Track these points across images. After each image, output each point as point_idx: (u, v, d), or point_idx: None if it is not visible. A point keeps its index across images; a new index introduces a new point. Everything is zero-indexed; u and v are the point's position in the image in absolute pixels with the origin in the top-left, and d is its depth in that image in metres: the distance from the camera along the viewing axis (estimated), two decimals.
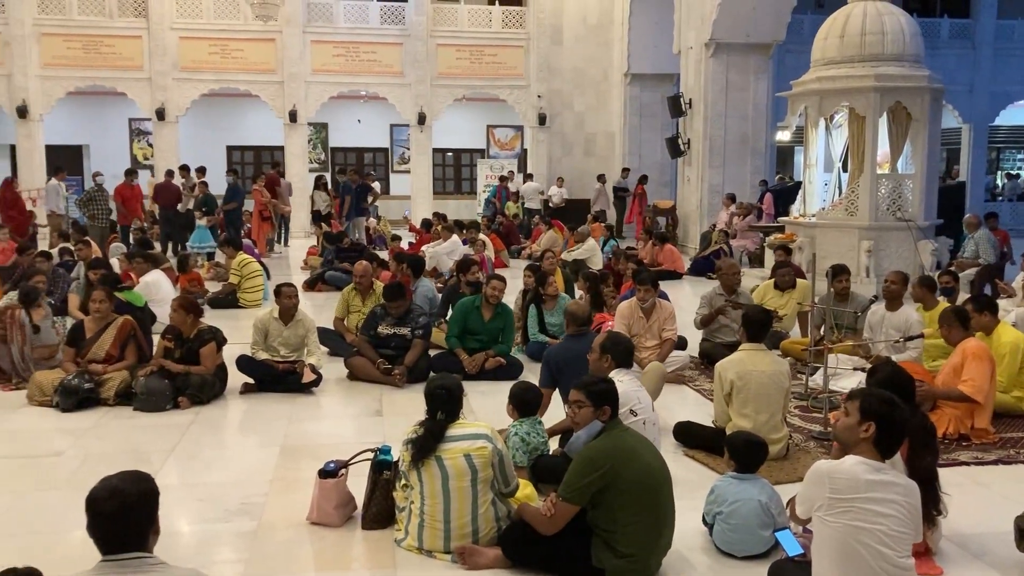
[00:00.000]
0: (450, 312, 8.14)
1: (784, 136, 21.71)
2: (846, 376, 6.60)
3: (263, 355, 6.88)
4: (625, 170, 20.69)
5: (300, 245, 18.04)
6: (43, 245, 13.82)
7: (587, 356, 4.90)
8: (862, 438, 3.16)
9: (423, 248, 13.59)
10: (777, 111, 17.54)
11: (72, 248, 11.16)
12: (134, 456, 5.28)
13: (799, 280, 8.40)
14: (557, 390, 5.37)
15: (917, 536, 3.17)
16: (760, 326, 5.32)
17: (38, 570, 2.44)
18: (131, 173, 16.59)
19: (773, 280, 8.53)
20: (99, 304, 6.69)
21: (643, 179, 19.86)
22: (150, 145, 22.76)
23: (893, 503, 3.05)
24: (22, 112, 19.52)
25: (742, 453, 4.16)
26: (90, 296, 6.95)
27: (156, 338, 7.09)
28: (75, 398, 6.23)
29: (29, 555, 4.01)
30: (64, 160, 21.45)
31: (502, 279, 7.73)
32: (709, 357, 7.43)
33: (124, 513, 2.47)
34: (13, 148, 21.18)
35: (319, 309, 9.74)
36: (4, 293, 9.13)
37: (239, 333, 7.84)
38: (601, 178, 20.52)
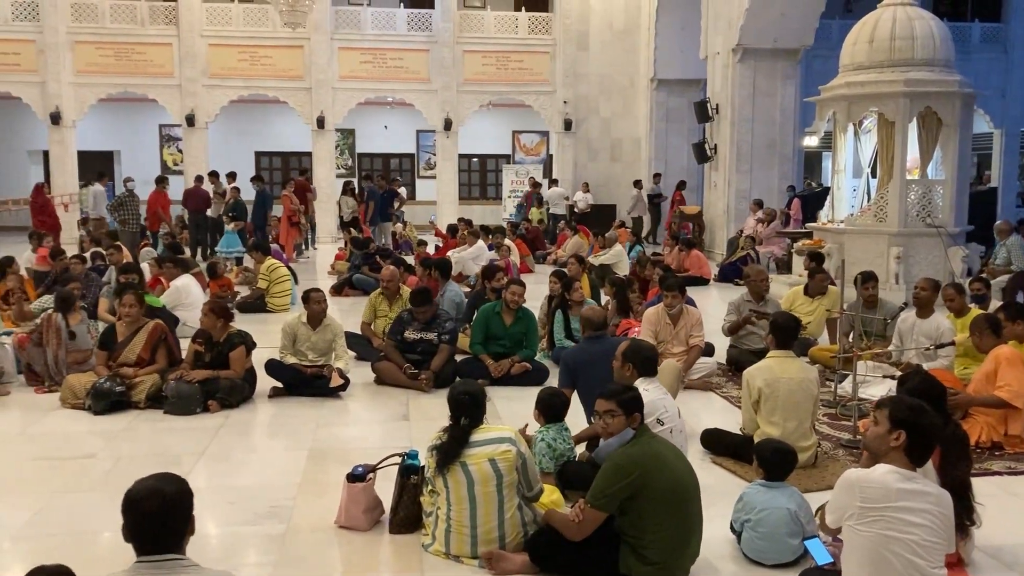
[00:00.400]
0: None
1: (812, 141, 21.60)
2: (875, 384, 6.54)
3: (291, 359, 6.94)
4: (657, 175, 20.59)
5: (328, 250, 18.17)
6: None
7: (610, 362, 4.91)
8: (893, 447, 3.13)
9: (449, 253, 13.63)
10: (805, 116, 17.44)
11: (104, 253, 11.31)
12: (164, 459, 5.34)
13: (829, 287, 8.33)
14: (576, 392, 5.40)
15: (950, 546, 3.14)
16: (788, 333, 5.29)
17: (68, 567, 2.48)
18: (162, 181, 16.86)
19: (803, 286, 8.47)
20: (129, 308, 6.77)
21: (681, 185, 19.74)
22: (180, 151, 23.02)
23: (925, 512, 3.02)
24: (55, 118, 19.84)
25: (771, 461, 4.13)
26: (120, 300, 7.04)
27: (181, 341, 7.19)
28: (107, 401, 6.32)
29: (62, 555, 4.06)
30: (96, 166, 21.79)
31: (521, 283, 7.72)
32: (736, 364, 7.41)
33: (165, 512, 2.51)
34: (46, 154, 21.53)
35: (346, 314, 9.80)
36: (37, 297, 9.29)
37: (267, 337, 7.90)
38: (638, 184, 20.35)
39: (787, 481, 4.16)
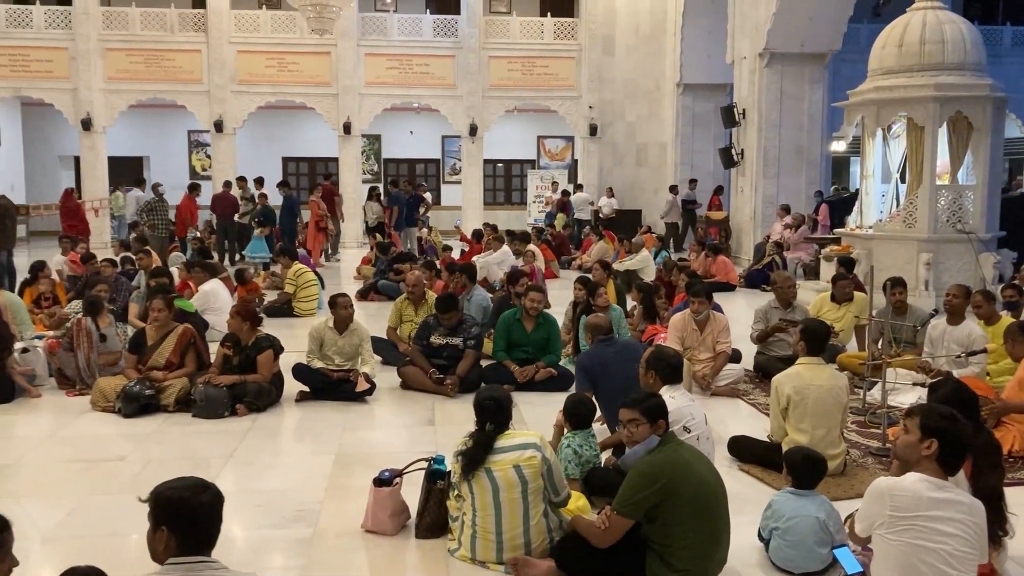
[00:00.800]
0: None
1: (840, 146, 21.40)
2: (905, 391, 6.47)
3: (318, 364, 6.98)
4: (692, 181, 20.30)
5: (353, 255, 18.25)
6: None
7: (626, 362, 5.04)
8: (924, 455, 3.09)
9: (474, 258, 13.65)
10: (832, 121, 17.27)
11: (133, 257, 11.45)
12: (193, 461, 5.40)
13: (856, 293, 8.26)
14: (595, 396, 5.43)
15: (982, 557, 3.10)
16: (821, 339, 5.25)
17: (100, 569, 2.51)
18: (195, 188, 17.13)
19: (830, 292, 8.40)
20: (158, 312, 6.85)
21: (718, 190, 19.61)
22: (208, 156, 23.28)
23: (957, 522, 2.98)
24: (86, 124, 20.12)
25: (800, 469, 4.10)
26: (150, 304, 7.13)
27: (209, 346, 7.25)
28: (136, 404, 6.38)
29: (92, 556, 4.10)
30: (125, 171, 22.08)
31: (540, 290, 7.70)
32: (764, 370, 7.36)
33: (218, 506, 2.56)
34: (77, 159, 21.84)
35: (372, 318, 9.83)
36: (68, 301, 9.42)
37: (294, 342, 7.95)
38: (673, 189, 20.10)
39: (815, 489, 4.12)
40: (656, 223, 20.21)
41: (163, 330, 6.84)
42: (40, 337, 7.90)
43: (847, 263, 9.75)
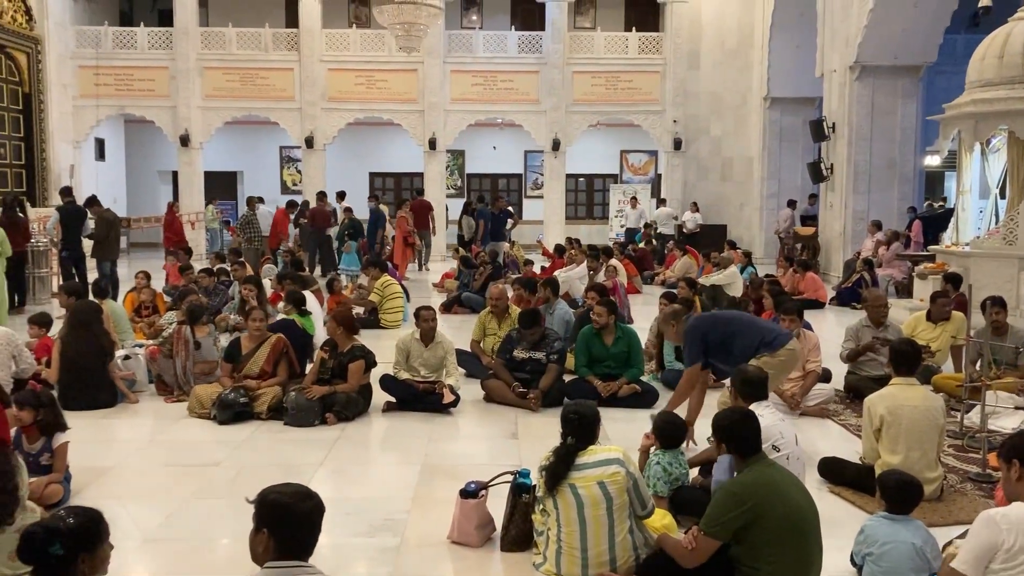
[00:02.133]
0: None
1: (934, 161, 20.77)
2: (1007, 415, 6.23)
3: (405, 375, 7.10)
4: (812, 196, 19.65)
5: (437, 268, 18.48)
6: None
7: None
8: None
9: (555, 273, 13.67)
10: (926, 134, 16.79)
11: (228, 269, 11.85)
12: (284, 469, 5.52)
13: (954, 312, 7.98)
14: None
15: None
16: (909, 358, 5.10)
17: None
18: (292, 205, 17.58)
19: (925, 311, 8.14)
20: (258, 323, 7.08)
21: None
22: (299, 172, 23.91)
23: None
24: (184, 140, 20.92)
25: (894, 493, 3.96)
26: (245, 312, 7.37)
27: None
28: (231, 411, 6.59)
29: (190, 559, 4.27)
30: (220, 185, 22.83)
31: (607, 303, 7.54)
32: (855, 391, 7.19)
33: (317, 515, 2.64)
34: (175, 174, 22.71)
35: (456, 331, 9.92)
36: (166, 311, 9.80)
37: (380, 353, 8.04)
38: (792, 204, 19.58)
39: (911, 515, 3.99)
40: (740, 238, 19.87)
41: (257, 340, 7.06)
42: (140, 345, 8.24)
43: (954, 279, 9.35)
